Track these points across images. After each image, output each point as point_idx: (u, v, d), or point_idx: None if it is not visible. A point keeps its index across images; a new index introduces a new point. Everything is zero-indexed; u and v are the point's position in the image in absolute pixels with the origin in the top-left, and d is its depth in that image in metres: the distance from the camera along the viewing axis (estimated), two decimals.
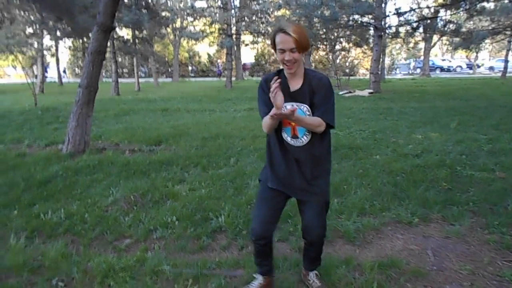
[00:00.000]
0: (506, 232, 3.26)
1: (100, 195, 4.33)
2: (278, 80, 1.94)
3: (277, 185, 2.29)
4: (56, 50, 26.88)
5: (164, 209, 3.93)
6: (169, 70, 41.05)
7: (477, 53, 37.36)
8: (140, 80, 23.96)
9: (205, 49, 42.97)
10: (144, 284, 2.63)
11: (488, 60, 45.67)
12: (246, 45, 27.76)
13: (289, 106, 2.11)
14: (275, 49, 2.09)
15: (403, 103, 12.38)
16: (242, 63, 36.51)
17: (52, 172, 5.12)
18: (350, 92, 16.96)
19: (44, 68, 23.68)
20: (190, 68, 45.13)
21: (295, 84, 2.15)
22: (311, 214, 2.28)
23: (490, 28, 22.09)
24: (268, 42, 31.17)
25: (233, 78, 25.66)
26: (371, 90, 16.61)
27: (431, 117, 9.32)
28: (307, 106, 2.14)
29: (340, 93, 16.88)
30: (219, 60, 40.88)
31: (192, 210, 3.86)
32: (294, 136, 2.20)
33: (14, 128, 8.79)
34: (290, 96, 2.14)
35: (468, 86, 19.53)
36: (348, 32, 21.93)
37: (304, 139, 2.20)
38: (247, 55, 43.18)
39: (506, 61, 25.80)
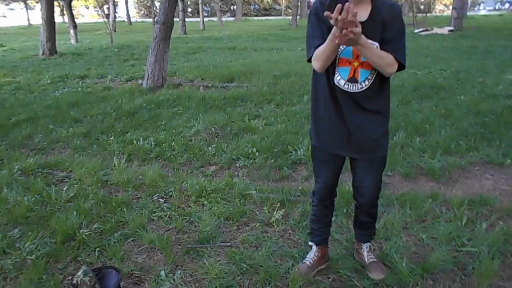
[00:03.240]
0: None
1: (183, 126, 4.61)
2: (350, 5, 1.45)
3: (323, 142, 1.94)
4: None
5: (243, 141, 4.10)
6: (232, 8, 40.35)
7: None
8: (204, 19, 23.91)
9: None
10: (234, 205, 2.84)
11: None
12: None
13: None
14: None
15: (490, 41, 11.19)
16: (307, 0, 34.70)
17: (137, 104, 5.50)
18: (426, 30, 15.60)
19: (114, 8, 24.42)
20: (252, 6, 43.96)
21: (362, 12, 1.66)
22: (363, 171, 1.94)
23: None
24: None
25: (298, 17, 24.62)
26: (451, 28, 15.12)
27: None
28: (376, 44, 1.68)
29: (416, 31, 15.61)
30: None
31: (271, 143, 3.98)
32: (352, 80, 1.74)
33: (96, 64, 9.39)
34: None
35: None
36: None
37: (364, 85, 1.75)
38: None
39: None
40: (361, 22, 1.61)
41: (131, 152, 3.89)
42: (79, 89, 6.70)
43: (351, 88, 1.76)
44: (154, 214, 2.75)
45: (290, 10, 23.01)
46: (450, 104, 5.02)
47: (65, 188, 3.09)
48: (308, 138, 3.99)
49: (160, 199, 2.98)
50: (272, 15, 41.09)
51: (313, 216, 2.17)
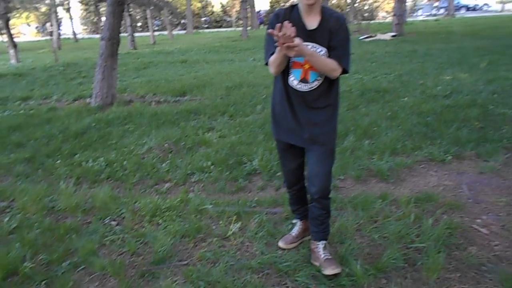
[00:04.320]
0: None
1: (135, 144, 4.48)
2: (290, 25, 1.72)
3: (281, 135, 2.22)
4: (69, 5, 26.47)
5: (198, 155, 4.05)
6: (182, 22, 40.16)
7: None
8: (154, 33, 23.61)
9: None
10: (190, 222, 2.78)
11: None
12: None
13: (310, 47, 1.90)
14: None
15: (428, 45, 11.92)
16: (257, 11, 35.30)
17: (86, 124, 5.29)
18: (371, 36, 16.36)
19: (58, 25, 23.50)
20: (203, 19, 44.01)
21: (312, 22, 1.92)
22: (315, 161, 2.13)
23: None
24: None
25: (249, 28, 24.95)
26: (393, 33, 15.97)
27: (459, 57, 9.00)
28: (325, 49, 1.93)
29: (361, 38, 16.31)
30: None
31: (226, 155, 3.96)
32: (304, 80, 2.00)
33: (40, 84, 8.95)
34: (307, 36, 1.90)
35: (496, 24, 18.51)
36: None
37: (314, 85, 2.00)
38: (261, 3, 41.59)
39: None
40: (312, 30, 1.94)
41: (80, 175, 3.72)
42: (21, 111, 6.34)
43: (303, 87, 2.02)
44: (106, 239, 2.63)
45: (241, 22, 23.31)
46: (395, 106, 5.26)
47: (6, 219, 2.89)
48: (262, 147, 4.04)
49: (112, 222, 2.87)
50: (223, 27, 41.35)
51: (290, 199, 2.49)
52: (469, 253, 2.26)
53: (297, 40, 1.74)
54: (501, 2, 36.80)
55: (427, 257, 2.19)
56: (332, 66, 1.92)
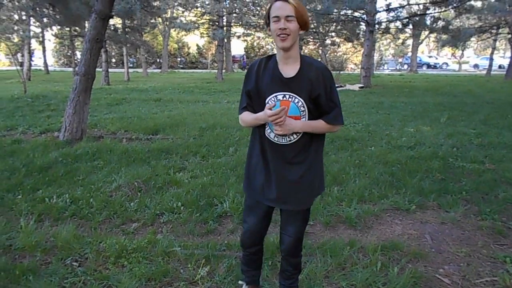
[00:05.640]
0: (498, 219, 3.45)
1: (103, 181, 4.38)
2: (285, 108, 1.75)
3: (250, 190, 2.04)
4: (43, 38, 26.33)
5: (168, 195, 4.00)
6: (158, 60, 40.65)
7: (463, 50, 37.94)
8: (129, 70, 23.72)
9: (194, 40, 42.65)
10: (157, 264, 2.71)
11: (473, 58, 46.56)
12: (238, 37, 27.67)
13: (280, 96, 1.81)
14: (268, 23, 1.78)
15: (393, 98, 12.62)
16: (232, 55, 36.39)
17: (52, 159, 5.13)
18: (341, 86, 17.15)
19: (30, 56, 23.21)
20: (179, 59, 44.76)
21: (290, 70, 1.81)
22: (286, 220, 2.02)
23: (477, 26, 22.58)
24: (259, 35, 31.32)
25: (223, 71, 25.58)
26: (361, 85, 16.82)
27: (422, 111, 9.56)
28: (302, 101, 1.80)
29: None
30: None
31: (196, 196, 3.94)
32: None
33: (5, 115, 8.67)
34: (283, 85, 1.80)
35: (455, 82, 19.95)
36: (339, 27, 22.11)
37: (293, 137, 1.85)
38: (236, 48, 42.92)
39: (491, 59, 26.34)
40: (289, 78, 1.81)
41: (42, 212, 3.56)
42: None
43: (280, 140, 1.86)
44: (66, 281, 2.51)
45: (216, 64, 23.91)
46: (363, 154, 5.47)
47: None
48: (234, 190, 4.05)
49: (74, 263, 2.74)
50: (199, 68, 42.13)
51: (241, 258, 2.28)
52: None
53: (288, 121, 1.78)
54: (458, 63, 39.85)
55: None
56: (327, 129, 1.87)
